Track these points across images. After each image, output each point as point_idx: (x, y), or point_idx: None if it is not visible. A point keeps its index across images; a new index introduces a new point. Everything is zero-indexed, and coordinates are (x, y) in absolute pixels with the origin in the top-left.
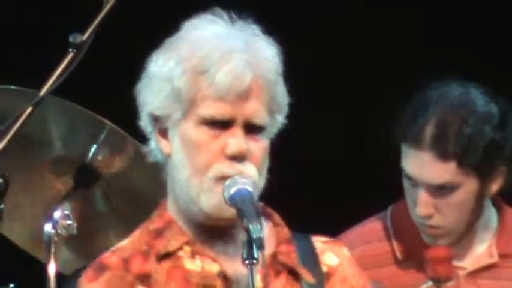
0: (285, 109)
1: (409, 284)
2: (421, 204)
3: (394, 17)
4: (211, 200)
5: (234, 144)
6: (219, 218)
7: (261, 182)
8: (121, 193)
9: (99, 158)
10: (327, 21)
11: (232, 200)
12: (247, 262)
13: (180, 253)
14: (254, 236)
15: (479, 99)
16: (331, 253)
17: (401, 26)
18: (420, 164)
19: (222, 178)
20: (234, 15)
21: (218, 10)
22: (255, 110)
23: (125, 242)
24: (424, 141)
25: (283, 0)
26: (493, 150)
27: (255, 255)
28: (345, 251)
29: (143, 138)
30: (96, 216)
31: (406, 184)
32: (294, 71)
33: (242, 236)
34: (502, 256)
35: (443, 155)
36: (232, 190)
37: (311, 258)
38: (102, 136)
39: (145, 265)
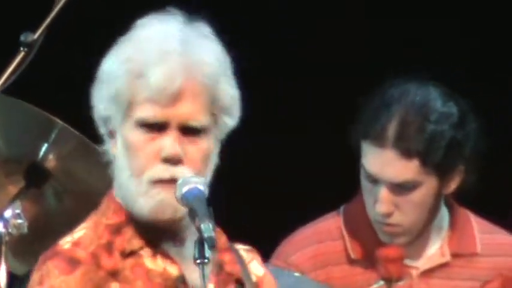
0: (234, 110)
1: (361, 283)
2: (382, 202)
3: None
4: (148, 203)
5: (168, 147)
6: (157, 220)
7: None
8: (73, 192)
9: (50, 157)
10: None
11: (184, 199)
12: (198, 262)
13: (142, 252)
14: (206, 235)
15: (438, 98)
16: (256, 262)
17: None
18: (382, 162)
19: (157, 182)
20: (187, 16)
21: (172, 10)
22: (189, 112)
23: (81, 233)
24: (387, 139)
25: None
26: (454, 149)
27: (206, 255)
28: (259, 260)
29: (95, 138)
30: (47, 215)
31: (365, 182)
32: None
33: (194, 237)
34: (453, 255)
35: (406, 153)
36: (184, 189)
37: (244, 268)
38: (53, 135)
39: (112, 260)
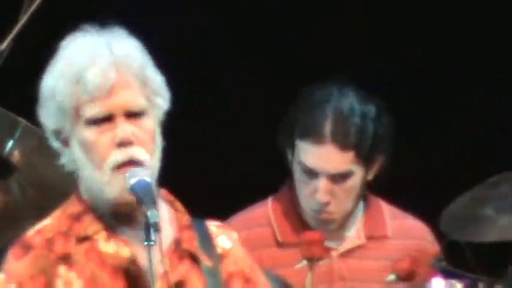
0: (164, 92)
1: (287, 264)
2: (322, 192)
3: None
4: (113, 189)
5: (119, 133)
6: (124, 204)
7: (155, 162)
8: (36, 185)
9: (15, 152)
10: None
11: (133, 190)
12: (145, 244)
13: (97, 236)
14: (151, 221)
15: (357, 97)
16: (224, 236)
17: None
18: (322, 156)
19: (118, 167)
20: (101, 27)
21: (86, 26)
22: (127, 100)
23: (46, 223)
24: (325, 136)
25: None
26: (377, 141)
27: (152, 238)
28: (234, 235)
29: None
30: (13, 205)
31: (301, 177)
32: None
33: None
34: (368, 238)
35: (343, 146)
36: (132, 181)
37: (208, 242)
38: (18, 133)
39: (67, 246)
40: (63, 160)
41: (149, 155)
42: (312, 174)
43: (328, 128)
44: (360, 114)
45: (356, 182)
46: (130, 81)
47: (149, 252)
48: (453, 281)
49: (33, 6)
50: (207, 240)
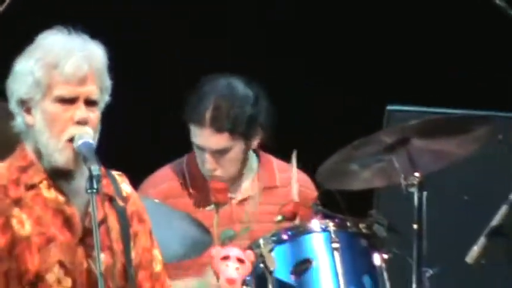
0: (109, 90)
1: (199, 208)
2: (208, 163)
3: None
4: (63, 156)
5: (79, 113)
6: (67, 167)
7: (96, 140)
8: None
9: None
10: None
11: (80, 148)
12: (89, 191)
13: (41, 185)
14: (94, 173)
15: (240, 87)
16: (125, 183)
17: None
18: (203, 137)
19: (71, 140)
20: (73, 29)
21: (61, 27)
22: (91, 90)
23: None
24: (205, 121)
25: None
26: (252, 121)
27: (95, 187)
28: (127, 182)
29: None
30: None
31: (196, 150)
32: None
33: (85, 176)
34: (260, 188)
35: (218, 129)
36: (80, 142)
37: (117, 188)
38: None
39: (18, 192)
40: (16, 123)
41: (95, 134)
42: (200, 149)
43: (208, 115)
44: (238, 102)
45: (237, 153)
46: (95, 77)
47: (92, 198)
48: (327, 221)
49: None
50: (116, 186)
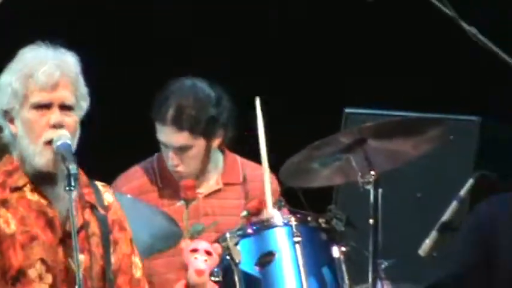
0: (87, 98)
1: (169, 203)
2: (171, 159)
3: None
4: (43, 159)
5: (54, 117)
6: (47, 170)
7: (74, 144)
8: None
9: None
10: None
11: (59, 149)
12: (67, 189)
13: (25, 188)
14: (72, 171)
15: (202, 88)
16: (108, 193)
17: None
18: (165, 134)
19: (49, 143)
20: (49, 43)
21: (40, 42)
22: (65, 96)
23: None
24: (167, 120)
25: None
26: (213, 121)
27: (73, 184)
28: (111, 192)
29: None
30: None
31: (161, 147)
32: None
33: (63, 180)
34: (225, 184)
35: (179, 128)
36: (59, 143)
37: (99, 197)
38: None
39: (4, 194)
40: (5, 133)
41: (72, 138)
42: (164, 145)
43: (169, 114)
44: (199, 103)
45: (197, 151)
46: (68, 83)
47: (70, 195)
48: (289, 216)
49: None
50: (99, 195)
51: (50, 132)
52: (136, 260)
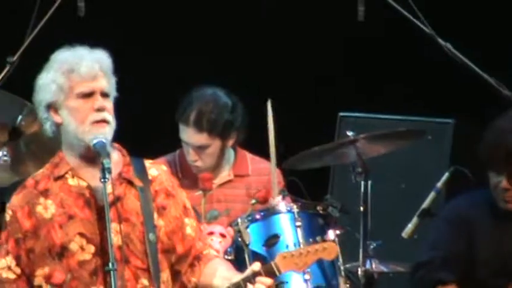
0: (115, 87)
1: (187, 192)
2: (190, 155)
3: None
4: (90, 136)
5: (97, 103)
6: (95, 147)
7: (114, 124)
8: (35, 143)
9: (23, 123)
10: None
11: (94, 146)
12: (102, 180)
13: (67, 175)
14: (106, 166)
15: (221, 96)
16: (154, 169)
17: None
18: (187, 135)
19: (95, 122)
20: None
21: (76, 44)
22: (104, 85)
23: (40, 171)
24: (190, 122)
25: None
26: (229, 125)
27: (106, 176)
28: (163, 167)
29: None
30: (21, 155)
31: (183, 144)
32: None
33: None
34: (236, 175)
35: (199, 129)
36: (95, 141)
37: (142, 172)
38: (24, 111)
39: (47, 184)
40: (46, 127)
41: (112, 119)
42: (186, 143)
43: (192, 117)
44: (217, 109)
45: (214, 149)
46: (104, 74)
47: (104, 185)
48: (292, 204)
49: (40, 25)
50: (141, 171)
51: (94, 114)
52: (187, 220)
